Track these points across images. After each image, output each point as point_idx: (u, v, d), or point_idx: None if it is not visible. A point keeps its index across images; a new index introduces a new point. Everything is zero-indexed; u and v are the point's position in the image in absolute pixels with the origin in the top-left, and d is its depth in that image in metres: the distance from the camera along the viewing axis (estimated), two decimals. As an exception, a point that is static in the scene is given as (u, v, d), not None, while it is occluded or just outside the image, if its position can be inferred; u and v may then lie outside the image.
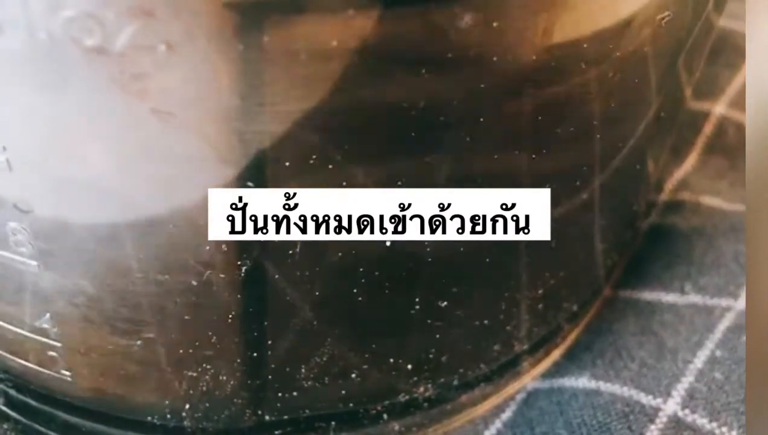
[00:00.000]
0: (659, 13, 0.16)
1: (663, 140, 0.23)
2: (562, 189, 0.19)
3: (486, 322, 0.21)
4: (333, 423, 0.22)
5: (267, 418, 0.21)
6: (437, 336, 0.20)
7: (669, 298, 0.25)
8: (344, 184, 0.16)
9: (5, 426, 0.23)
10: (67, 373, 0.20)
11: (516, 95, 0.15)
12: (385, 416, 0.22)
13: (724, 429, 0.21)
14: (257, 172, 0.16)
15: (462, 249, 0.19)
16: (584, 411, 0.22)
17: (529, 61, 0.14)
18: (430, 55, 0.13)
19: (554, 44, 0.14)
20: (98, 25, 0.12)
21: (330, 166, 0.15)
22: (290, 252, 0.17)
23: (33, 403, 0.22)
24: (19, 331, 0.20)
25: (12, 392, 0.23)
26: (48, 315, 0.19)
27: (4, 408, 0.23)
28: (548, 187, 0.19)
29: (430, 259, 0.19)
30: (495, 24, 0.13)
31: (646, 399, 0.22)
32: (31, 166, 0.16)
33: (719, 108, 0.30)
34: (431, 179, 0.17)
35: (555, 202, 0.19)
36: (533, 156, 0.17)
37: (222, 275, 0.17)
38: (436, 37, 0.13)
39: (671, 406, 0.22)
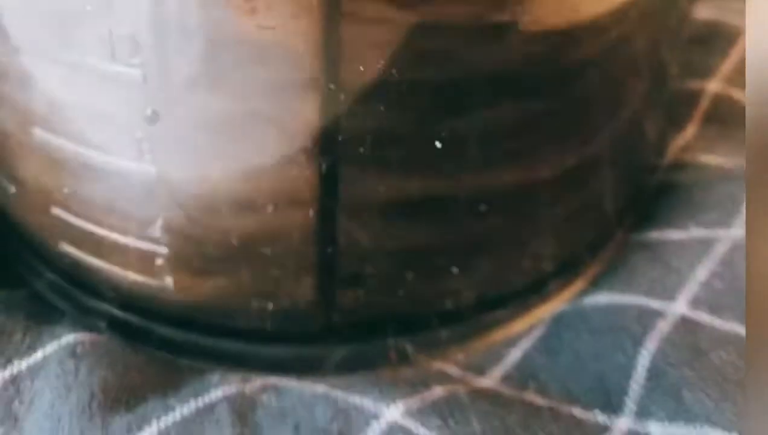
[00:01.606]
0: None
1: (658, 110, 0.28)
2: (572, 145, 0.24)
3: (516, 236, 0.25)
4: (390, 328, 0.26)
5: (335, 320, 0.25)
6: (478, 241, 0.24)
7: (675, 235, 0.29)
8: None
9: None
10: (170, 279, 0.24)
11: (534, 62, 0.21)
12: (434, 322, 0.26)
13: (726, 324, 0.25)
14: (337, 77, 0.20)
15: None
16: (604, 318, 0.26)
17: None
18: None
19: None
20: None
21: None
22: (360, 150, 0.21)
23: (134, 320, 0.26)
24: (131, 240, 0.24)
25: (116, 311, 0.26)
26: (160, 221, 0.23)
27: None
28: (560, 142, 0.23)
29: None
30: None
31: (654, 303, 0.26)
32: (162, 81, 0.20)
33: (713, 85, 0.34)
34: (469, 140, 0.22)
35: (567, 154, 0.24)
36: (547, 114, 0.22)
37: (306, 172, 0.22)
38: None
39: (680, 307, 0.25)
